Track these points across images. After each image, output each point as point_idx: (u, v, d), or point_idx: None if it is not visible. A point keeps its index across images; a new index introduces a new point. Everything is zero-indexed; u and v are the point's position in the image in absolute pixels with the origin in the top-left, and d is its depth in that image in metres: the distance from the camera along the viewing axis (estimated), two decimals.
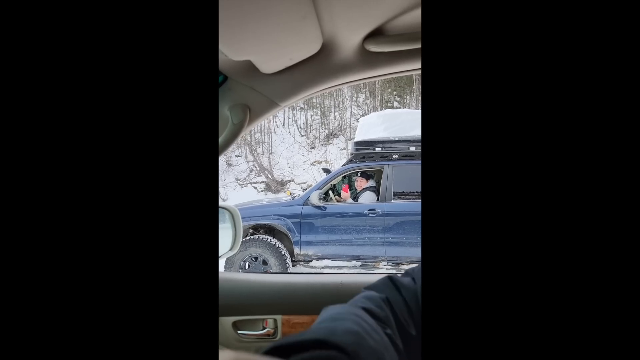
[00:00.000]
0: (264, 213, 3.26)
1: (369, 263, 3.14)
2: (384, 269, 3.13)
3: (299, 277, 0.77)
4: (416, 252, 3.07)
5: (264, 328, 0.73)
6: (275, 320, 0.72)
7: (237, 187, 9.42)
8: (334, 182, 3.52)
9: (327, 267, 3.16)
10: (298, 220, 3.18)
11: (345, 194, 3.39)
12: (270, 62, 0.55)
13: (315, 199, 3.16)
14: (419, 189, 3.19)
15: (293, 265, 3.18)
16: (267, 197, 6.77)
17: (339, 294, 0.71)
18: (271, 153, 9.67)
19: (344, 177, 3.63)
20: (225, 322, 0.73)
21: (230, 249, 0.82)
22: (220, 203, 0.85)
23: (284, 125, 10.35)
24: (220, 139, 0.61)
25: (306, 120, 10.17)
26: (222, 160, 9.48)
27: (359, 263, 3.15)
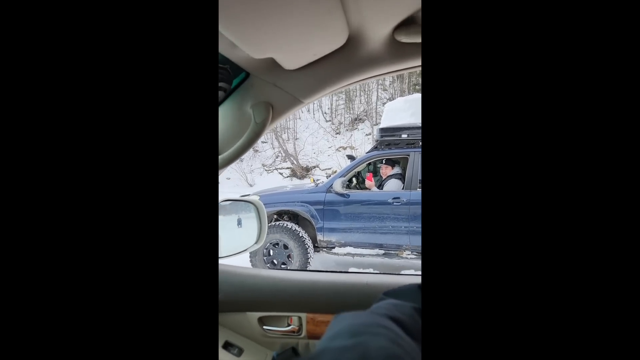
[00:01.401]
0: (287, 199, 3.30)
1: (393, 252, 3.12)
2: (408, 258, 3.10)
3: (323, 275, 0.77)
4: None
5: (288, 325, 0.73)
6: (299, 317, 0.72)
7: (263, 173, 9.61)
8: (359, 169, 3.48)
9: (349, 255, 3.17)
10: (321, 207, 3.19)
11: (370, 182, 3.35)
12: (293, 59, 0.53)
13: (338, 186, 3.15)
14: None
15: (316, 251, 3.23)
16: (292, 183, 6.84)
17: (365, 295, 0.70)
18: (296, 139, 9.72)
19: (369, 164, 3.58)
20: (252, 317, 0.75)
21: (256, 243, 0.82)
22: (245, 196, 0.86)
23: (308, 111, 10.32)
24: (243, 139, 0.60)
25: (331, 105, 10.06)
26: None
27: (382, 251, 3.14)
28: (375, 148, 3.35)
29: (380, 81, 10.16)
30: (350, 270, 3.07)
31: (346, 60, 0.54)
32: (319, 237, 3.19)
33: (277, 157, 9.79)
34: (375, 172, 3.57)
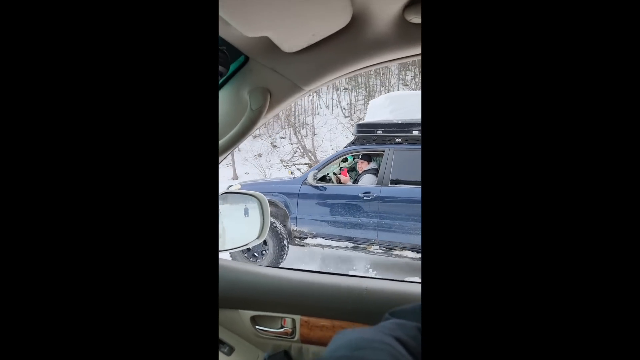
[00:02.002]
0: (265, 190, 3.48)
1: (361, 245, 3.17)
2: (375, 252, 3.13)
3: (321, 277, 0.73)
4: (409, 238, 3.00)
5: (282, 327, 0.71)
6: (293, 320, 0.69)
7: (281, 169, 9.89)
8: (336, 163, 3.55)
9: (319, 245, 3.28)
10: (296, 198, 3.33)
11: (345, 178, 3.42)
12: (290, 39, 0.48)
13: (311, 179, 3.26)
14: (418, 175, 3.06)
15: (291, 244, 3.37)
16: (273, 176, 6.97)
17: (363, 301, 0.66)
18: (314, 135, 9.86)
19: (344, 159, 3.64)
20: (244, 315, 0.72)
21: (258, 238, 0.80)
22: (250, 191, 0.85)
23: (327, 106, 10.40)
24: (238, 126, 0.56)
25: (350, 100, 10.05)
26: (267, 142, 9.99)
27: (351, 244, 3.20)
28: (353, 143, 3.41)
29: (401, 76, 9.94)
30: (350, 273, 3.16)
31: (350, 44, 0.49)
32: (292, 227, 3.33)
33: (295, 153, 10.02)
34: (353, 167, 3.63)
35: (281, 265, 3.23)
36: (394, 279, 0.73)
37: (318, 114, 10.35)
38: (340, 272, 0.79)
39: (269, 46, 0.49)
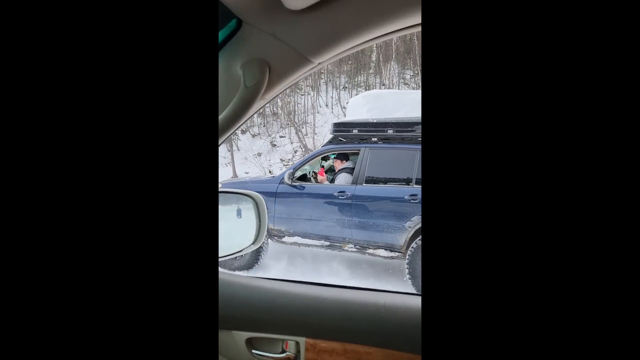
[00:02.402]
0: (246, 189, 3.55)
1: (337, 244, 3.20)
2: (349, 251, 3.16)
3: (330, 291, 0.63)
4: (383, 237, 3.01)
5: (283, 351, 0.61)
6: (297, 343, 0.60)
7: (282, 168, 9.97)
8: (313, 162, 3.59)
9: (296, 244, 3.32)
10: (273, 197, 3.38)
11: (321, 177, 3.44)
12: None
13: (287, 178, 3.30)
14: (393, 174, 3.06)
15: (271, 240, 3.43)
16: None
17: (381, 320, 0.57)
18: (315, 134, 9.88)
19: (325, 158, 3.67)
20: (239, 337, 0.62)
21: (254, 243, 0.70)
22: (245, 190, 0.75)
23: (327, 105, 10.41)
24: (229, 109, 0.45)
25: (349, 99, 10.04)
26: (267, 141, 10.05)
27: (327, 243, 3.23)
28: (330, 142, 3.43)
29: (401, 75, 9.85)
30: (363, 287, 3.17)
31: (369, 2, 0.40)
32: (270, 225, 3.38)
33: (295, 152, 10.08)
34: (330, 166, 3.65)
35: (260, 263, 3.29)
36: (414, 293, 0.59)
37: (318, 112, 10.38)
38: (353, 285, 0.67)
39: (268, 4, 0.40)
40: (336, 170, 3.45)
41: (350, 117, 3.56)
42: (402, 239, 2.94)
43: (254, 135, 9.98)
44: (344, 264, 3.34)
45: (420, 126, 3.02)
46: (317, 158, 3.57)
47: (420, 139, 3.01)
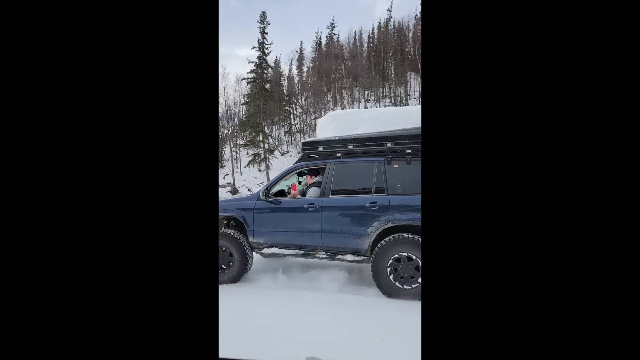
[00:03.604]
0: (227, 207, 3.89)
1: (310, 252, 3.50)
2: (321, 257, 3.45)
3: None
4: (349, 242, 3.30)
5: None
6: None
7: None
8: (287, 178, 3.93)
9: (274, 254, 3.63)
10: (252, 213, 3.72)
11: (294, 192, 3.78)
12: None
13: (262, 194, 3.65)
14: (355, 185, 3.38)
15: (251, 252, 3.74)
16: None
17: None
18: None
19: (300, 173, 4.01)
20: None
21: None
22: None
23: None
24: None
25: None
26: (295, 157, 10.28)
27: (301, 251, 3.53)
28: (301, 159, 3.78)
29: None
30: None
31: None
32: (250, 238, 3.71)
33: None
34: (302, 182, 3.99)
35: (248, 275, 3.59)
36: None
37: None
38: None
39: None
40: (307, 185, 3.78)
41: (319, 135, 3.92)
42: (366, 243, 3.23)
43: (283, 154, 10.26)
44: (317, 269, 3.63)
45: (376, 140, 3.36)
46: (290, 175, 3.92)
47: (378, 152, 3.34)
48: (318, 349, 1.82)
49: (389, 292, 3.04)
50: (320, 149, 3.60)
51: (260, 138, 21.11)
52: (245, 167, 19.99)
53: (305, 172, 3.86)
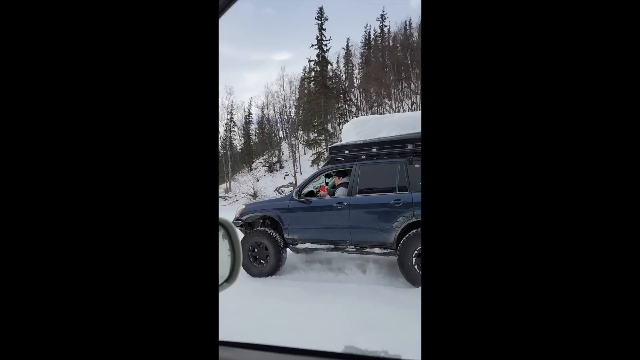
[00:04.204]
0: (265, 207, 4.33)
1: (340, 247, 3.86)
2: (350, 251, 3.80)
3: None
4: (375, 237, 3.63)
5: None
6: None
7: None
8: (318, 180, 4.32)
9: (307, 249, 4.01)
10: (286, 212, 4.13)
11: (323, 192, 4.16)
12: None
13: (295, 195, 4.06)
14: (379, 185, 3.71)
15: (285, 248, 4.15)
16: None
17: None
18: None
19: (328, 175, 4.39)
20: None
21: (227, 280, 0.57)
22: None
23: None
24: None
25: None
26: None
27: (332, 245, 3.90)
28: (328, 162, 4.16)
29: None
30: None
31: None
32: (285, 235, 4.12)
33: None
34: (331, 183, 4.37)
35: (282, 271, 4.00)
36: None
37: None
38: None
39: None
40: (336, 186, 4.15)
41: (344, 140, 4.29)
42: (391, 237, 3.55)
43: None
44: (349, 262, 3.98)
45: (398, 143, 3.68)
46: (321, 176, 4.30)
47: (400, 153, 3.66)
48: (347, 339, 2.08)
49: (415, 281, 3.34)
50: (346, 152, 3.95)
51: (323, 137, 21.14)
52: (310, 166, 20.38)
53: (333, 174, 4.23)
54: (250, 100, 46.79)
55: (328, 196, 4.16)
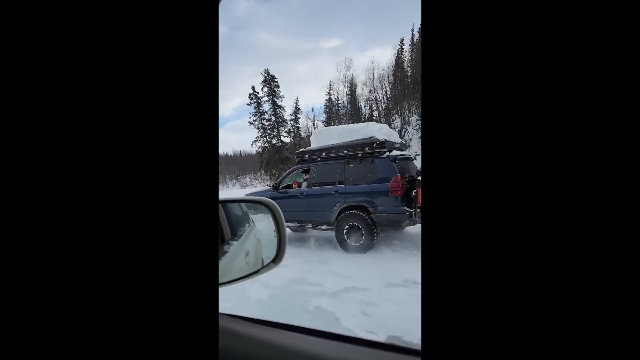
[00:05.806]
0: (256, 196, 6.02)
1: (302, 225, 5.36)
2: (307, 227, 5.28)
3: (337, 347, 0.49)
4: (323, 217, 5.05)
5: None
6: None
7: None
8: (291, 176, 5.84)
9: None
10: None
11: (294, 186, 5.67)
12: None
13: (272, 188, 5.65)
14: (327, 180, 5.09)
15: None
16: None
17: None
18: None
19: (297, 173, 5.88)
20: None
21: (274, 261, 0.59)
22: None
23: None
24: None
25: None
26: None
27: (298, 224, 5.42)
28: (298, 163, 5.65)
29: None
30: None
31: None
32: None
33: None
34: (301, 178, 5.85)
35: None
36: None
37: None
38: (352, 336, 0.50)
39: None
40: (302, 180, 5.63)
41: (312, 145, 5.71)
42: (332, 217, 4.92)
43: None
44: (308, 235, 5.46)
45: (337, 149, 4.97)
46: (293, 174, 5.81)
47: (341, 156, 4.95)
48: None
49: (346, 249, 4.69)
50: (307, 156, 5.39)
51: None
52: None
53: (302, 172, 5.72)
54: (330, 84, 42.20)
55: (296, 188, 5.67)
